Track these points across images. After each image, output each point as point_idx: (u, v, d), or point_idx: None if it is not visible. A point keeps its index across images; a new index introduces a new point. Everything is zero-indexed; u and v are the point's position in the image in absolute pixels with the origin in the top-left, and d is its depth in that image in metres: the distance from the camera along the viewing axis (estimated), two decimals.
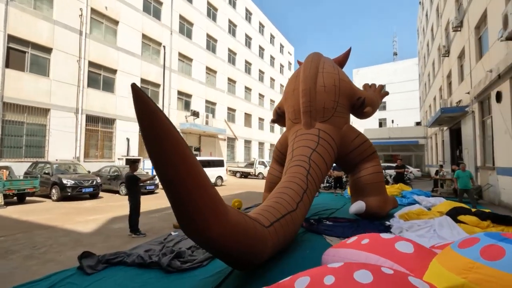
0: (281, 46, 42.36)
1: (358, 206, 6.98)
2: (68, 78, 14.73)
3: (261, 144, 34.43)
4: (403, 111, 40.95)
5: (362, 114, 8.09)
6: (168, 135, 2.23)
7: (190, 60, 23.54)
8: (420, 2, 33.01)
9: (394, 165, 14.20)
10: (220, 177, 16.97)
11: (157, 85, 20.40)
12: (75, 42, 15.16)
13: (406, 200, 9.58)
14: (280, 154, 8.43)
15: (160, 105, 20.35)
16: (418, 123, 32.37)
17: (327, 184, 14.39)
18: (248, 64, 32.49)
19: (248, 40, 32.81)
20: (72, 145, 14.72)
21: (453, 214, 5.53)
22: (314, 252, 4.63)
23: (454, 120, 15.28)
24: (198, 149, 23.86)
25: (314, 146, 6.45)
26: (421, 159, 30.99)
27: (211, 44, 26.33)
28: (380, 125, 42.92)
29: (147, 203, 9.12)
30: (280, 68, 41.70)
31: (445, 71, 18.39)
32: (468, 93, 12.28)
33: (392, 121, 38.84)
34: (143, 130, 2.23)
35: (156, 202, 10.22)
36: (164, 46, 20.85)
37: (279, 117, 8.87)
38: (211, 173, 16.18)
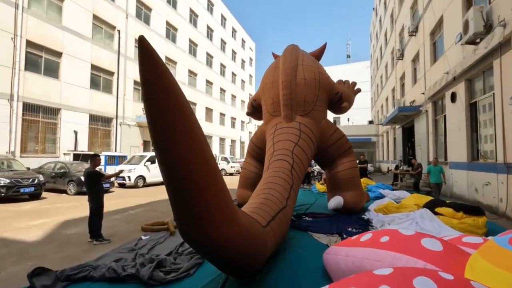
0: (243, 41, 41.87)
1: (337, 201, 6.95)
2: None
3: (222, 140, 33.69)
4: (355, 110, 43.40)
5: (339, 109, 8.10)
6: (176, 98, 1.76)
7: None
8: (373, 9, 35.19)
9: (357, 161, 14.81)
10: None
11: (111, 73, 18.50)
12: (9, 16, 12.89)
13: (372, 194, 9.91)
14: (256, 149, 8.06)
15: (114, 95, 18.52)
16: (370, 122, 34.64)
17: None
18: (209, 57, 31.41)
19: (209, 32, 31.69)
20: (5, 137, 12.54)
21: (431, 206, 5.73)
22: (307, 251, 4.37)
23: (408, 118, 16.47)
24: None
25: (296, 140, 6.23)
26: (372, 155, 33.24)
27: (171, 32, 24.77)
28: (335, 123, 45.11)
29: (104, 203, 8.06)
30: (242, 63, 41.23)
31: (399, 73, 19.76)
32: (423, 93, 13.24)
33: (348, 119, 41.07)
34: (147, 89, 1.69)
35: (114, 202, 9.11)
36: (118, 31, 18.96)
37: (254, 110, 8.51)
38: None
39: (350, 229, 5.62)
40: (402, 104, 17.70)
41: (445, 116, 11.24)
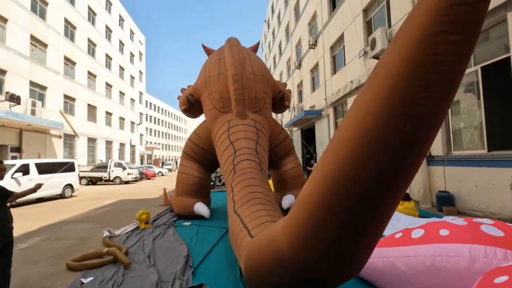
0: (132, 33, 37.30)
1: (291, 200, 6.90)
2: None
3: (108, 143, 28.80)
4: None
5: (282, 108, 8.14)
6: None
7: (4, 20, 16.21)
8: (265, 21, 38.20)
9: None
10: (69, 186, 12.50)
11: None
12: None
13: None
14: (198, 150, 7.12)
15: None
16: None
17: (213, 182, 13.70)
18: (92, 44, 26.31)
19: (91, 15, 26.59)
20: None
21: None
22: None
23: (309, 121, 18.49)
24: (18, 149, 16.81)
25: (255, 139, 5.86)
26: None
27: (38, 6, 19.28)
28: None
29: None
30: (131, 57, 36.62)
31: (296, 81, 22.01)
32: (325, 99, 15.12)
33: None
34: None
35: None
36: None
37: (191, 106, 7.51)
38: (58, 180, 11.70)
39: None
40: (301, 109, 19.76)
41: None
